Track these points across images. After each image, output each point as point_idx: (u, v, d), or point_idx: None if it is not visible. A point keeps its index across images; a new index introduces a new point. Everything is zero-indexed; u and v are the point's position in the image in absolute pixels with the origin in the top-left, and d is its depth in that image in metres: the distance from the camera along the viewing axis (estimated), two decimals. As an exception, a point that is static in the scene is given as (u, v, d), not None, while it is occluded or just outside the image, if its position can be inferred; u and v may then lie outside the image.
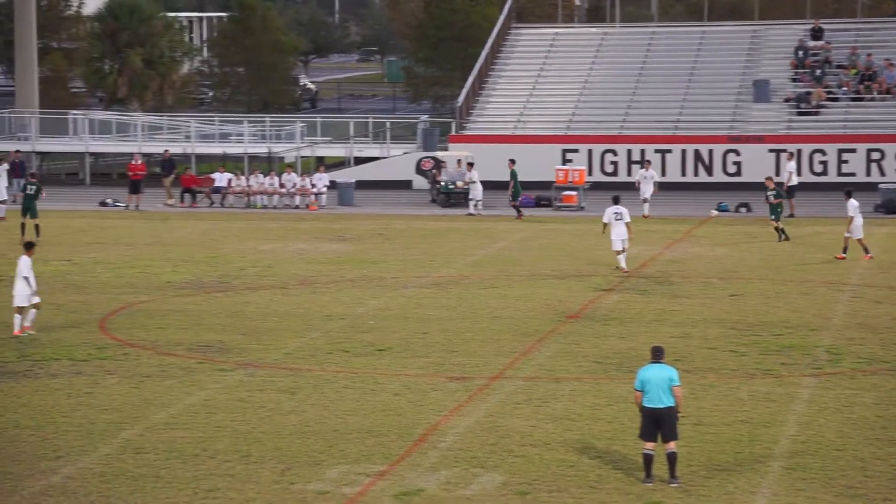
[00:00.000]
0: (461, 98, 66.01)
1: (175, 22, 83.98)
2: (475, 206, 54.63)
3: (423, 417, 24.16)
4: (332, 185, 58.32)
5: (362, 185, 59.62)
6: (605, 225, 39.82)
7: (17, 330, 30.66)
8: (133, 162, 57.92)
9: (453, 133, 64.85)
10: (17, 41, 72.62)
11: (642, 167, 55.76)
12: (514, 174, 53.46)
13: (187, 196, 58.13)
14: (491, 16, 79.59)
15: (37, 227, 46.32)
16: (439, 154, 61.43)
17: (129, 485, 20.54)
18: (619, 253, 39.53)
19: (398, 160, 64.20)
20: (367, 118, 70.17)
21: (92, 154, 67.53)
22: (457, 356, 29.00)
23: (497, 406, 24.95)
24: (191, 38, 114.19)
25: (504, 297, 36.01)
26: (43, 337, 30.73)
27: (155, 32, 76.30)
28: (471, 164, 55.60)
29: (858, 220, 41.56)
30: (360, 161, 64.74)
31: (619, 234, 39.36)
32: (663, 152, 61.90)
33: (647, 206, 52.71)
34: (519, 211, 53.18)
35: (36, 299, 30.79)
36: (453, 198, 57.16)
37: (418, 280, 38.70)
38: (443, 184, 57.56)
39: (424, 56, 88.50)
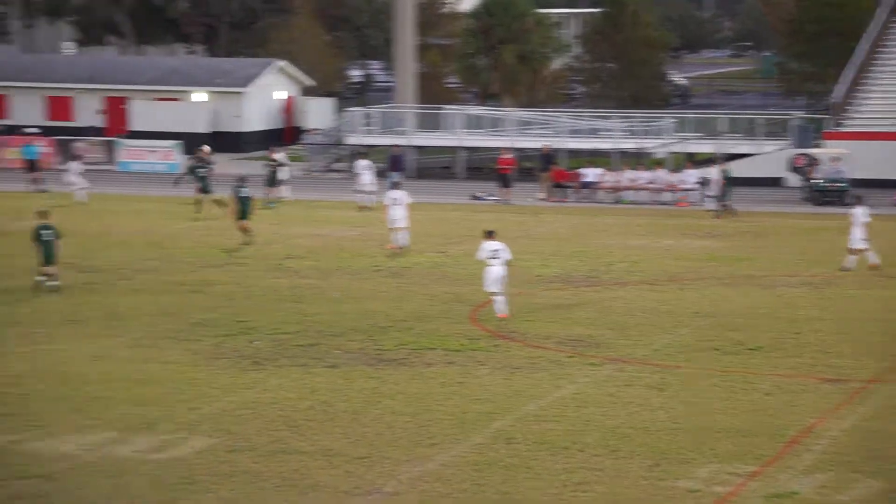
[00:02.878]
0: (839, 94, 64.23)
1: (547, 18, 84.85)
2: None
3: (795, 419, 23.68)
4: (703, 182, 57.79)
5: (731, 181, 58.74)
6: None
7: (502, 313, 32.08)
8: (502, 156, 58.85)
9: (828, 130, 63.25)
10: (397, 39, 74.86)
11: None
12: None
13: (557, 190, 58.70)
14: (871, 8, 77.18)
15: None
16: (813, 151, 60.02)
17: (501, 474, 20.89)
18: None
19: (769, 157, 63.03)
20: (737, 114, 69.17)
21: (465, 148, 68.98)
22: (830, 357, 28.30)
23: (875, 410, 24.22)
24: (562, 35, 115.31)
25: (879, 299, 34.89)
26: (417, 326, 31.60)
27: (527, 29, 77.30)
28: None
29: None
30: (729, 157, 63.85)
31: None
32: None
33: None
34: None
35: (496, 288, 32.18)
36: (827, 195, 55.86)
37: (788, 279, 37.92)
38: (816, 181, 56.27)
39: (798, 51, 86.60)
